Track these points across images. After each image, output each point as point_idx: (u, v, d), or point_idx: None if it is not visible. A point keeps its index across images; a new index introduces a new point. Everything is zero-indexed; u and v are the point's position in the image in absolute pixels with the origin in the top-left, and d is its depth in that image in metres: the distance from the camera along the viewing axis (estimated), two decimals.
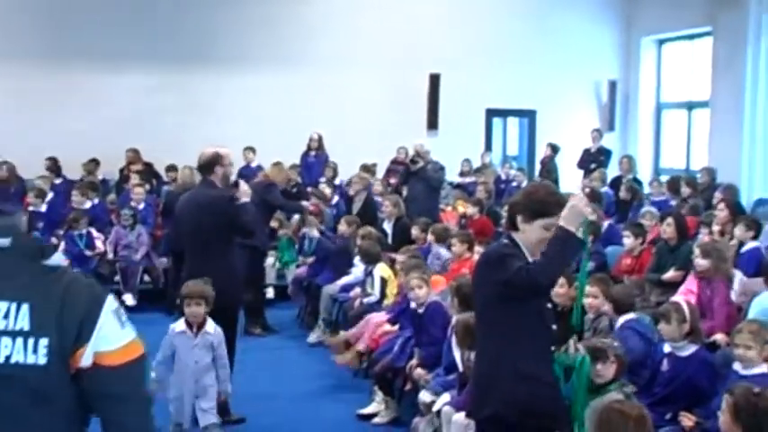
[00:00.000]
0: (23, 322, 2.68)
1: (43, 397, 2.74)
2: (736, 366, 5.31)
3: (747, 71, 14.11)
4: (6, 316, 2.68)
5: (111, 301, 2.78)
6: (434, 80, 16.71)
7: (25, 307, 2.68)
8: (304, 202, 11.35)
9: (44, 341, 2.68)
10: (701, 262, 7.33)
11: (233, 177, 7.96)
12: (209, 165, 7.02)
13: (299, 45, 16.14)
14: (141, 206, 12.29)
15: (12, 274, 2.70)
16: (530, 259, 4.04)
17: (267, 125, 15.52)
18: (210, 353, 6.27)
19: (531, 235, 4.06)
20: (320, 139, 15.46)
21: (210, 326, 6.29)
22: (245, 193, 7.09)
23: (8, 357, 2.67)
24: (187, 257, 7.25)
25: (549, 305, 4.15)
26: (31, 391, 2.72)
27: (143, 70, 15.54)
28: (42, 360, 2.69)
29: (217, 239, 6.91)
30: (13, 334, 2.68)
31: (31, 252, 2.77)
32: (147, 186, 13.45)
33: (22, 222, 2.89)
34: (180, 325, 6.33)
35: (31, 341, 2.68)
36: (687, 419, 5.38)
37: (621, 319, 6.41)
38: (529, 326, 4.04)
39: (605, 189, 13.40)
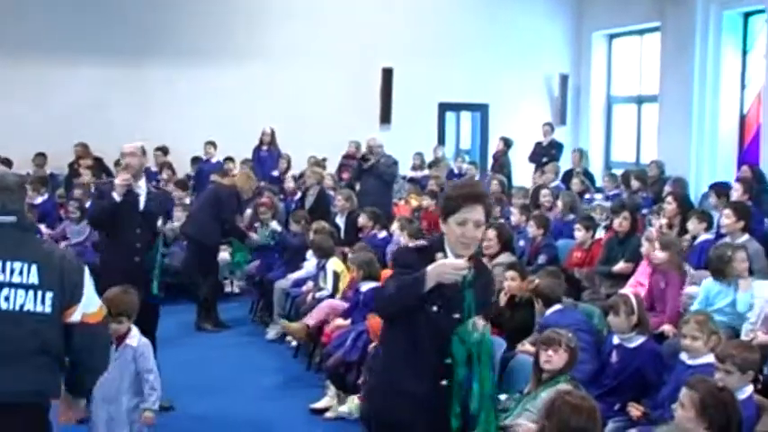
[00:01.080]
0: (34, 278, 3.58)
1: (47, 344, 3.60)
2: (683, 356, 5.38)
3: (695, 66, 14.30)
4: (21, 273, 3.57)
5: (88, 273, 3.80)
6: (387, 74, 16.71)
7: (34, 267, 3.58)
8: (253, 236, 11.01)
9: (50, 294, 3.58)
10: (659, 254, 7.41)
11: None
12: None
13: (251, 39, 16.05)
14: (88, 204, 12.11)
15: (20, 243, 3.64)
16: (450, 256, 3.84)
17: (219, 119, 15.42)
18: (131, 368, 5.43)
19: (450, 235, 3.88)
20: (272, 133, 15.41)
21: (134, 338, 5.50)
22: (117, 186, 7.02)
23: (22, 306, 3.55)
24: None
25: (458, 315, 3.82)
26: (39, 338, 3.56)
27: (93, 63, 15.33)
28: (48, 309, 3.58)
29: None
30: (26, 287, 3.56)
31: (31, 227, 3.87)
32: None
33: (24, 205, 3.84)
34: None
35: (39, 293, 3.57)
36: (635, 410, 5.44)
37: (547, 312, 6.54)
38: (411, 337, 3.85)
39: (557, 183, 13.50)
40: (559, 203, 10.87)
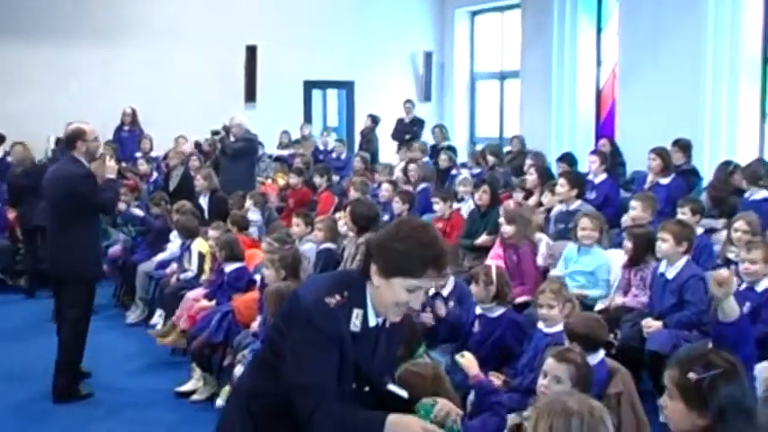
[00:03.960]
0: None
1: None
2: (540, 325, 5.53)
3: (553, 43, 14.68)
4: None
5: None
6: (251, 52, 16.50)
7: None
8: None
9: None
10: (506, 228, 7.60)
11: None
12: (72, 140, 7.08)
13: (111, 16, 15.60)
14: None
15: None
16: (372, 320, 3.09)
17: (79, 99, 14.87)
18: None
19: (386, 294, 3.04)
20: (134, 113, 15.08)
21: None
22: (111, 169, 7.28)
23: None
24: (48, 233, 7.38)
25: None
26: None
27: None
28: None
29: (74, 215, 7.02)
30: None
31: None
32: None
33: None
34: None
35: None
36: (496, 378, 5.55)
37: None
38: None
39: (426, 159, 13.66)
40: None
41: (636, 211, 7.75)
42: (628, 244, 6.84)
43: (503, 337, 5.87)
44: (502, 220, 7.69)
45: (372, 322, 3.08)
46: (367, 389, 3.13)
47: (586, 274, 7.10)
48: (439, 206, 9.27)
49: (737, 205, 8.52)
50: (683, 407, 2.87)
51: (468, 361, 4.56)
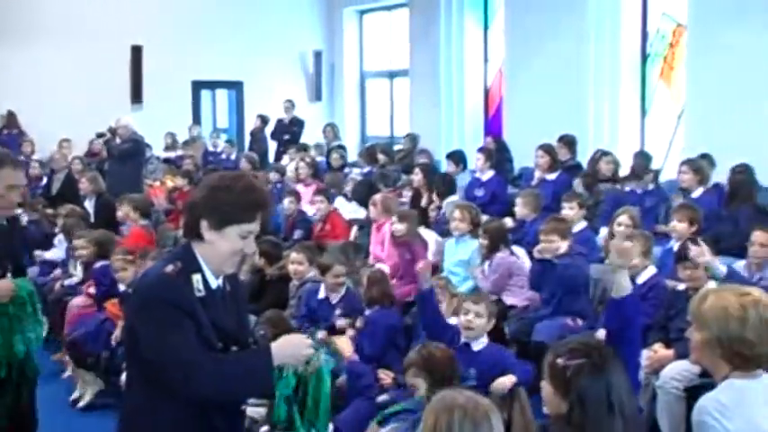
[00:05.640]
0: None
1: None
2: None
3: (441, 41, 14.84)
4: None
5: None
6: (137, 52, 16.17)
7: None
8: None
9: None
10: (398, 227, 7.64)
11: None
12: None
13: None
14: None
15: None
16: (213, 281, 3.11)
17: None
18: None
19: (221, 246, 3.07)
20: (13, 115, 14.60)
21: None
22: None
23: None
24: None
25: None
26: None
27: None
28: None
29: None
30: None
31: None
32: None
33: None
34: None
35: None
36: (386, 377, 5.59)
37: None
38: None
39: (321, 159, 13.64)
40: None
41: (517, 208, 7.94)
42: (483, 241, 7.04)
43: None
44: (394, 218, 7.73)
45: (213, 284, 3.12)
46: (234, 348, 3.11)
47: (464, 264, 7.23)
48: (322, 206, 9.19)
49: (603, 193, 9.03)
50: (551, 390, 3.01)
51: (342, 342, 4.36)
